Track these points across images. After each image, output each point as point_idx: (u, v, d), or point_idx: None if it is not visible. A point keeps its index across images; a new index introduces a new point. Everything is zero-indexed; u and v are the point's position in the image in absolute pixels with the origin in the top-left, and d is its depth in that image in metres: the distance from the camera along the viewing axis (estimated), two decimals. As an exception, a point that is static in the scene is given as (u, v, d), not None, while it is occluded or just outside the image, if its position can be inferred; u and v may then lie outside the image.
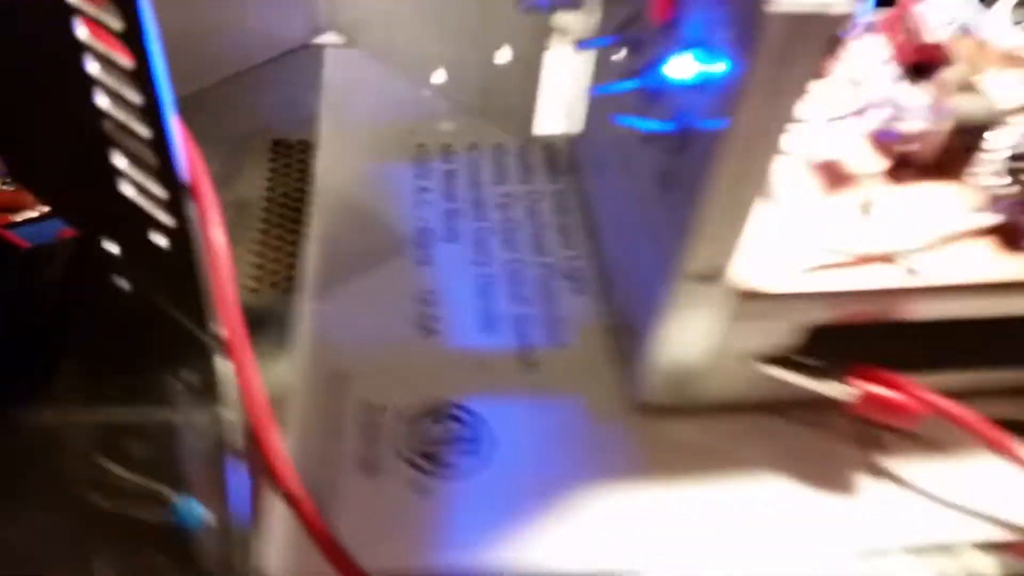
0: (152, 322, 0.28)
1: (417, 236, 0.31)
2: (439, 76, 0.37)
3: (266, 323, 0.28)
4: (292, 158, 0.34)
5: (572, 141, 0.35)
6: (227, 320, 0.22)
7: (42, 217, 0.56)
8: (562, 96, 0.35)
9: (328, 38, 0.39)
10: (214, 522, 0.23)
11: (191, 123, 0.22)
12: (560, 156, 0.35)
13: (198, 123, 0.34)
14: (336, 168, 0.33)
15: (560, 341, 0.28)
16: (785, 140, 0.19)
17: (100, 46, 0.21)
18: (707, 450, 0.26)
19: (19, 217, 0.55)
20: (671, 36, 0.22)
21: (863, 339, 0.25)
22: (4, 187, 0.64)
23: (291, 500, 0.21)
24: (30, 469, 0.25)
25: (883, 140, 0.26)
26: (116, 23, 0.19)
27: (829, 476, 0.25)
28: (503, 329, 0.28)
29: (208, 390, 0.26)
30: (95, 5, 0.20)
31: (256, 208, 0.32)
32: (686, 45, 0.20)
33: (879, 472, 0.26)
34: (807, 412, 0.26)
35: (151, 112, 0.21)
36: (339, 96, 0.36)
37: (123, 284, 0.29)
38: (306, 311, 0.28)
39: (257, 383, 0.22)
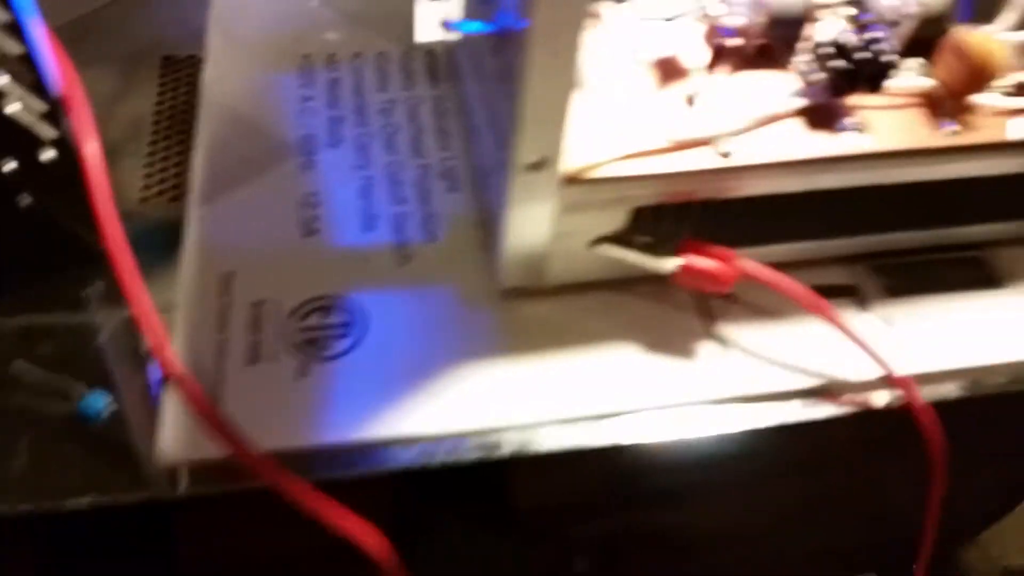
0: (55, 234, 0.30)
1: (301, 143, 0.33)
2: (323, -13, 0.38)
3: (157, 229, 0.30)
4: (181, 73, 0.35)
5: (449, 48, 0.37)
6: (106, 229, 0.24)
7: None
8: (441, 5, 0.37)
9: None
10: (117, 413, 0.26)
11: (83, 44, 0.24)
12: (440, 63, 0.37)
13: (91, 43, 0.35)
14: (223, 80, 0.35)
15: (434, 236, 0.31)
16: (581, 35, 0.21)
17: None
18: (562, 325, 0.29)
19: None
20: None
21: (695, 218, 0.28)
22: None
23: (180, 386, 0.24)
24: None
25: (714, 36, 0.29)
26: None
27: (670, 341, 0.29)
28: (382, 227, 0.31)
29: (112, 293, 0.29)
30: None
31: (147, 122, 0.33)
32: None
33: (714, 336, 0.29)
34: (650, 286, 0.29)
35: (18, 29, 0.23)
36: (227, 11, 0.38)
37: (25, 200, 0.31)
38: (193, 216, 0.30)
39: (138, 285, 0.24)
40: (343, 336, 0.28)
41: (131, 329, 0.28)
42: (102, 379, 0.27)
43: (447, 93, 0.36)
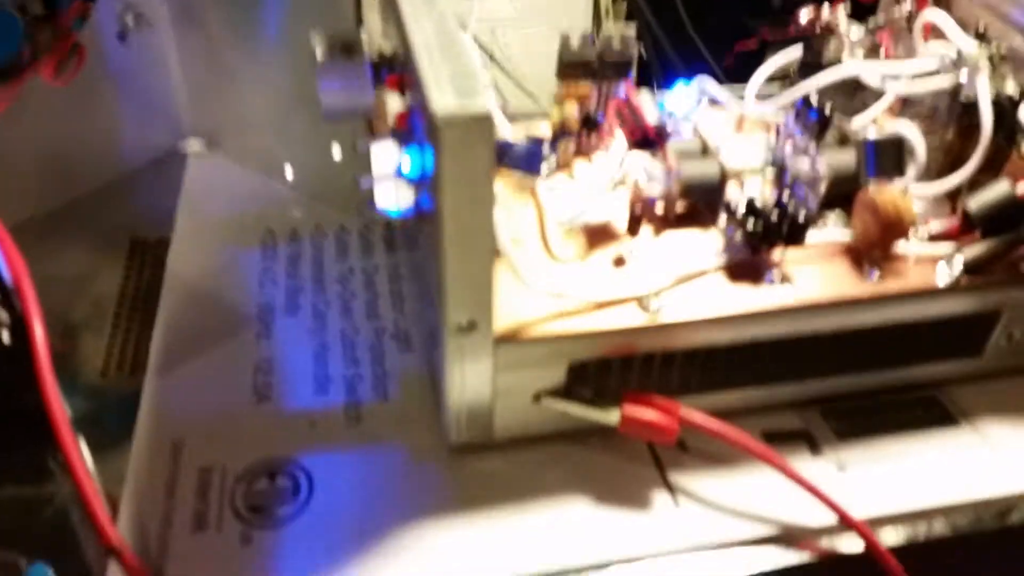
0: (10, 409, 0.31)
1: (259, 312, 0.35)
2: (288, 171, 0.41)
3: (115, 403, 0.31)
4: (148, 254, 0.37)
5: (404, 220, 0.39)
6: (50, 405, 0.25)
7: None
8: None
9: (191, 145, 0.44)
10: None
11: (59, 230, 0.26)
12: (397, 233, 0.39)
13: (66, 229, 0.38)
14: (187, 258, 0.37)
15: (385, 395, 0.32)
16: (489, 216, 0.23)
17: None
18: (513, 479, 0.29)
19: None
20: (408, 139, 0.26)
21: (638, 370, 0.29)
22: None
23: (120, 559, 0.24)
24: None
25: (636, 201, 0.31)
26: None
27: (623, 492, 0.29)
28: (334, 390, 0.32)
29: (60, 467, 0.29)
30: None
31: (110, 302, 0.35)
32: (413, 146, 0.25)
33: (667, 485, 0.29)
34: (600, 438, 0.30)
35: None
36: (198, 195, 0.40)
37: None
38: (149, 388, 0.31)
39: (78, 458, 0.24)
40: (288, 502, 0.28)
41: (79, 502, 0.28)
42: (48, 552, 0.27)
43: (402, 260, 0.38)
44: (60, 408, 0.24)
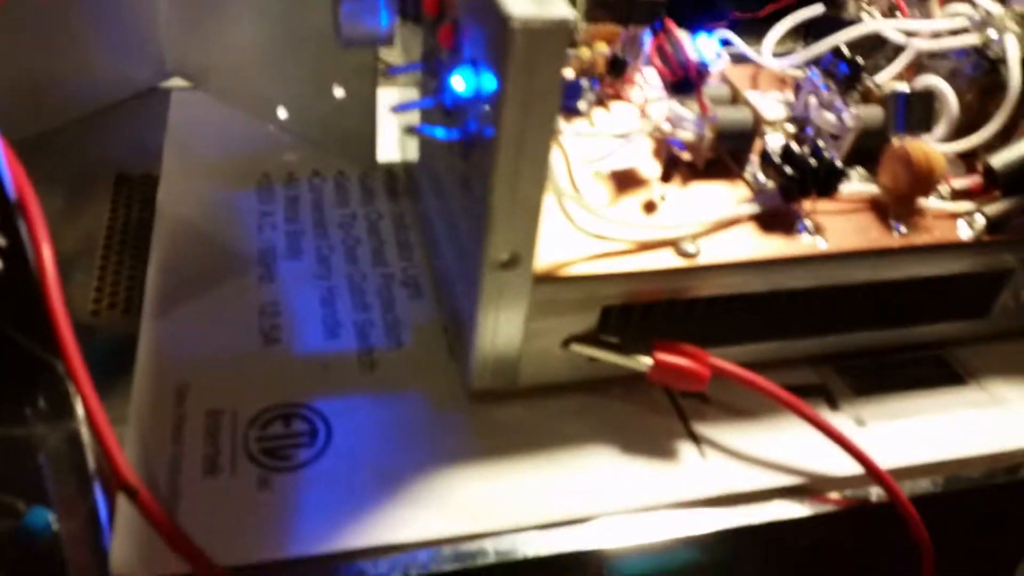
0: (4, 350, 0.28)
1: (260, 256, 0.33)
2: (282, 113, 0.39)
3: (107, 343, 0.29)
4: (135, 191, 0.35)
5: (408, 167, 0.37)
6: (62, 337, 0.23)
7: None
8: (398, 126, 0.38)
9: (175, 82, 0.41)
10: (65, 529, 0.24)
11: (38, 162, 0.24)
12: (399, 181, 0.38)
13: (45, 162, 0.35)
14: (179, 198, 0.34)
15: (399, 342, 0.30)
16: (550, 141, 0.22)
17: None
18: (536, 427, 0.28)
19: None
20: (455, 59, 0.25)
21: (668, 318, 0.28)
22: None
23: (135, 498, 0.22)
24: None
25: (666, 148, 0.30)
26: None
27: (647, 442, 0.28)
28: (345, 335, 0.30)
29: (59, 407, 0.27)
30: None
31: (99, 238, 0.32)
32: (464, 65, 0.23)
33: (691, 436, 0.29)
34: (624, 387, 0.29)
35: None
36: (184, 134, 0.38)
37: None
38: (146, 328, 0.29)
39: (92, 394, 0.22)
40: (307, 445, 0.26)
41: (75, 443, 0.26)
42: (45, 495, 0.25)
43: (406, 209, 0.36)
44: (72, 341, 0.22)
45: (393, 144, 0.38)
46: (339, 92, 0.36)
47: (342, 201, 0.36)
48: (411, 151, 0.37)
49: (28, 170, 0.24)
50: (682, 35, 0.29)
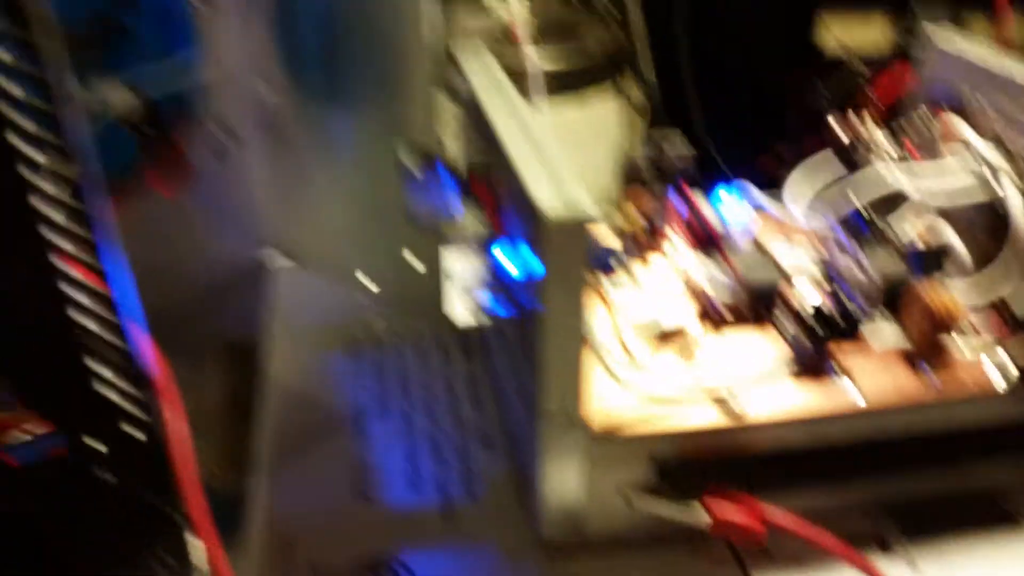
0: (132, 506, 0.32)
1: (353, 416, 0.37)
2: (366, 282, 0.44)
3: (227, 501, 0.33)
4: (245, 360, 0.40)
5: (479, 329, 0.42)
6: (191, 500, 0.27)
7: (33, 440, 0.60)
8: (468, 290, 0.42)
9: (273, 255, 0.47)
10: None
11: (159, 336, 0.28)
12: (471, 341, 0.42)
13: (165, 336, 0.40)
14: (283, 363, 0.39)
15: (475, 495, 0.33)
16: (587, 312, 0.26)
17: (81, 278, 0.27)
18: (602, 579, 0.30)
19: (11, 439, 0.59)
20: (508, 243, 0.29)
21: (724, 468, 0.31)
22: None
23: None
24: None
25: (701, 303, 0.34)
26: (96, 264, 0.26)
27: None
28: (427, 488, 0.34)
29: (182, 562, 0.31)
30: (77, 248, 0.26)
31: (214, 404, 0.37)
32: (515, 249, 0.28)
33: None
34: (687, 540, 0.31)
35: (118, 327, 0.27)
36: (284, 305, 0.43)
37: (107, 477, 0.34)
38: (258, 487, 0.33)
39: (219, 552, 0.26)
40: (398, 597, 0.29)
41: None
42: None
43: (478, 367, 0.40)
44: (203, 506, 0.26)
45: (465, 309, 0.43)
46: (415, 264, 0.41)
47: (422, 362, 0.40)
48: (481, 313, 0.41)
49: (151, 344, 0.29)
50: (700, 199, 0.33)
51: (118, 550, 0.31)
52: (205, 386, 0.38)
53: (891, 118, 0.69)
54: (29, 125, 0.24)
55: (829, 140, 0.40)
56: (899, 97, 0.81)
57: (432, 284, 0.41)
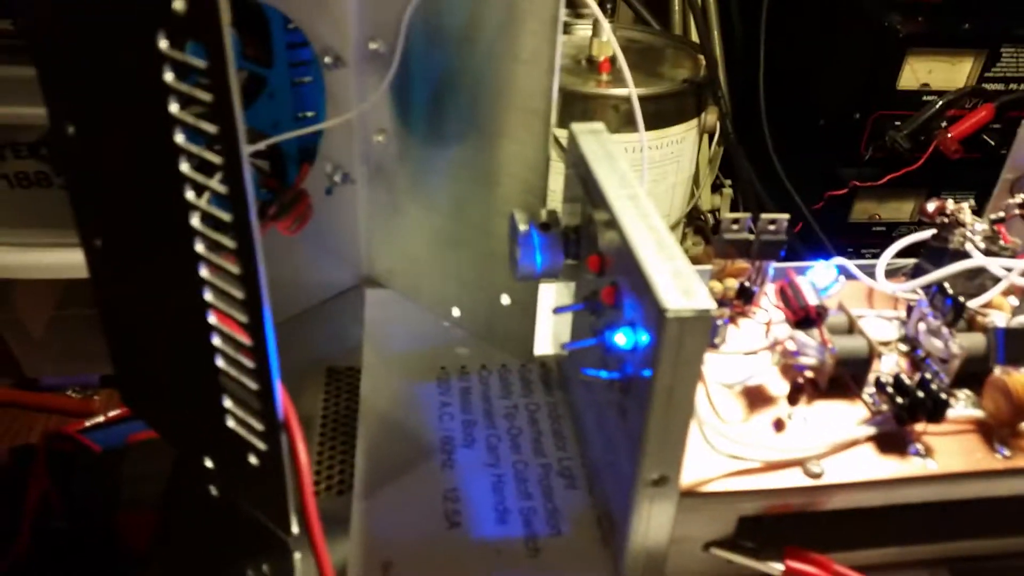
0: (235, 521, 0.36)
1: (442, 443, 0.39)
2: (455, 312, 0.46)
3: (327, 521, 0.35)
4: (342, 382, 0.43)
5: (560, 362, 0.44)
6: (310, 523, 0.30)
7: (109, 422, 0.64)
8: (552, 332, 0.45)
9: (370, 283, 0.50)
10: None
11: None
12: (552, 374, 0.44)
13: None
14: (377, 389, 0.42)
15: (558, 530, 0.36)
16: (695, 392, 0.28)
17: (227, 329, 0.30)
18: (679, 622, 0.32)
19: (88, 423, 0.63)
20: (616, 313, 0.31)
21: (799, 525, 0.33)
22: (74, 395, 0.74)
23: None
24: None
25: (792, 372, 0.35)
26: (242, 317, 0.29)
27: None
28: (512, 521, 0.36)
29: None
30: (228, 304, 0.29)
31: (316, 424, 0.40)
32: (625, 322, 0.30)
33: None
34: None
35: (261, 371, 0.30)
36: (378, 330, 0.46)
37: (213, 491, 0.37)
38: (357, 509, 0.35)
39: (332, 573, 0.29)
40: (488, 625, 0.32)
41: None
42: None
43: (559, 400, 0.42)
44: (319, 529, 0.29)
45: (547, 339, 0.45)
46: (506, 299, 0.44)
47: (505, 392, 0.43)
48: (568, 363, 0.43)
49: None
50: (801, 281, 0.35)
51: (224, 566, 0.34)
52: (311, 407, 0.41)
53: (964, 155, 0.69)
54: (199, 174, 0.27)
55: (923, 218, 0.41)
56: (974, 133, 0.81)
57: (525, 325, 0.44)
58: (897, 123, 0.82)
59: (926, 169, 0.80)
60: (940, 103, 0.80)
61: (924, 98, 0.81)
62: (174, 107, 0.26)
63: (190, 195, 0.27)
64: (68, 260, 0.60)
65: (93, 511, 0.53)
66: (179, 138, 0.27)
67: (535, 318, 0.43)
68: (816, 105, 0.85)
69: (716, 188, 0.92)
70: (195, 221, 0.28)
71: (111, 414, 0.64)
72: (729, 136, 0.80)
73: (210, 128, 0.25)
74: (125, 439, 0.58)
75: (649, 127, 0.69)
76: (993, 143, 0.82)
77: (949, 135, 0.81)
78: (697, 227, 0.90)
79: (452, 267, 0.45)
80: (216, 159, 0.26)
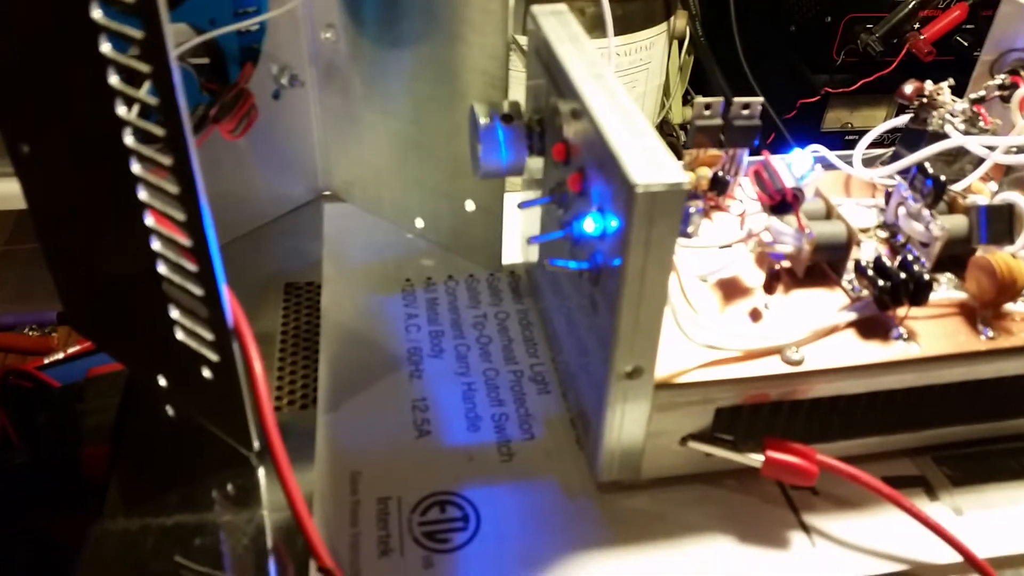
0: (195, 440, 0.34)
1: (409, 354, 0.38)
2: (419, 223, 0.44)
3: (290, 435, 0.34)
4: (302, 297, 0.41)
5: (528, 269, 0.42)
6: (269, 435, 0.28)
7: (68, 359, 0.62)
8: (520, 232, 0.43)
9: (328, 195, 0.47)
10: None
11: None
12: (522, 282, 0.42)
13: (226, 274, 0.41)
14: (338, 303, 0.40)
15: (532, 434, 0.34)
16: (668, 275, 0.26)
17: (165, 231, 0.28)
18: (659, 517, 0.32)
19: (48, 359, 0.61)
20: (583, 201, 0.29)
21: (777, 416, 0.32)
22: (32, 333, 0.71)
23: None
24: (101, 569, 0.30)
25: (768, 260, 0.34)
26: (180, 215, 0.27)
27: (761, 532, 0.31)
28: (485, 427, 0.35)
29: (247, 495, 0.32)
30: (162, 202, 0.27)
31: (275, 340, 0.38)
32: (592, 208, 0.28)
33: (800, 525, 0.32)
34: (738, 480, 0.33)
35: (205, 277, 0.28)
36: (337, 243, 0.44)
37: (169, 411, 0.35)
38: (322, 423, 0.34)
39: (295, 484, 0.28)
40: (461, 529, 0.30)
41: (268, 527, 0.31)
42: (250, 573, 0.30)
43: (530, 307, 0.41)
44: (279, 441, 0.28)
45: (516, 247, 0.43)
46: (471, 205, 0.42)
47: (474, 302, 0.41)
48: (531, 254, 0.42)
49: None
50: (777, 163, 0.33)
51: (187, 483, 0.32)
52: (269, 323, 0.39)
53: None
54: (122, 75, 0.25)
55: (900, 100, 0.39)
56: (947, 34, 0.79)
57: (492, 232, 0.42)
58: (869, 26, 0.79)
59: (899, 73, 0.78)
60: (912, 3, 0.78)
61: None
62: (96, 13, 0.24)
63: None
64: (15, 190, 0.57)
65: (54, 446, 0.51)
66: (105, 47, 0.25)
67: (502, 225, 0.41)
68: (786, 9, 0.83)
69: (687, 102, 0.89)
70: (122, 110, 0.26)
71: (71, 351, 0.62)
72: (699, 40, 0.78)
73: (135, 33, 0.23)
74: (85, 373, 0.56)
75: (616, 32, 0.66)
76: (967, 44, 0.80)
77: (922, 37, 0.79)
78: (669, 143, 0.88)
79: (414, 175, 0.43)
80: (144, 67, 0.24)
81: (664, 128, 0.85)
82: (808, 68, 0.82)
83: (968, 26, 0.79)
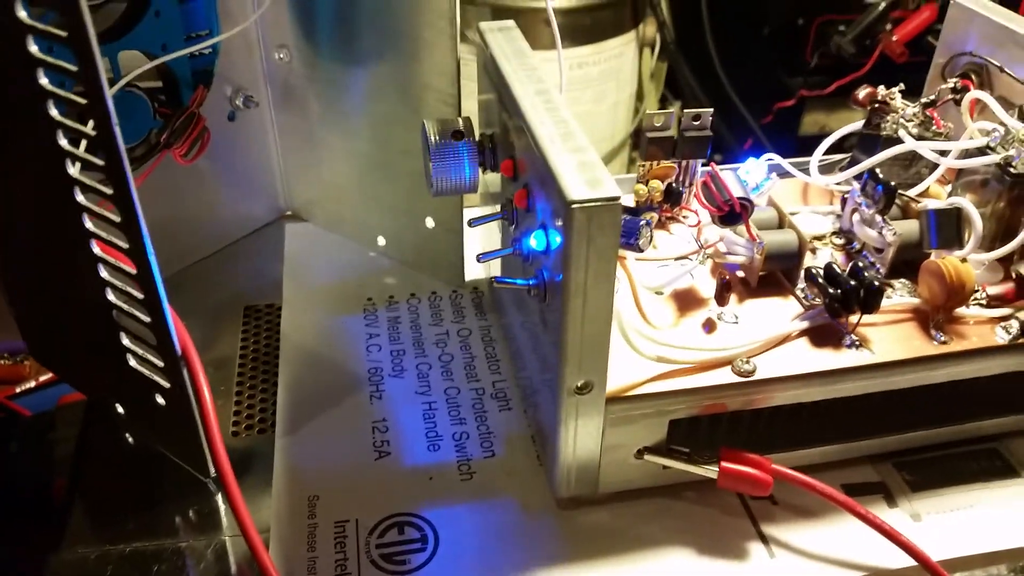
0: (155, 467, 0.34)
1: (369, 374, 0.38)
2: (381, 241, 0.44)
3: (250, 460, 0.34)
4: (262, 320, 0.41)
5: (491, 285, 0.42)
6: (218, 462, 0.28)
7: (39, 387, 0.62)
8: (483, 248, 0.43)
9: (288, 216, 0.47)
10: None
11: (176, 298, 0.29)
12: (485, 298, 0.42)
13: (182, 297, 0.41)
14: (298, 324, 0.40)
15: (492, 452, 0.34)
16: (611, 289, 0.26)
17: (112, 259, 0.28)
18: (618, 532, 0.31)
19: (19, 388, 0.61)
20: (530, 218, 0.29)
21: (733, 427, 0.32)
22: (3, 362, 0.71)
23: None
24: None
25: (720, 270, 0.34)
26: (123, 243, 0.27)
27: (720, 543, 0.31)
28: (445, 447, 0.35)
29: (206, 521, 0.32)
30: (107, 231, 0.27)
31: (234, 364, 0.38)
32: (537, 225, 0.28)
33: (759, 536, 0.32)
34: (697, 491, 0.32)
35: (151, 304, 0.28)
36: (298, 264, 0.44)
37: (128, 438, 0.35)
38: (280, 446, 0.34)
39: (245, 510, 0.27)
40: (419, 550, 0.30)
41: (221, 553, 0.31)
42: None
43: (493, 323, 0.41)
44: (228, 468, 0.27)
45: (478, 264, 0.43)
46: (430, 223, 0.42)
47: (436, 319, 0.41)
48: (495, 269, 0.42)
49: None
50: (726, 174, 0.33)
51: (145, 510, 0.32)
52: (228, 347, 0.39)
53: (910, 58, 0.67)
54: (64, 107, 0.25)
55: (856, 106, 0.39)
56: (919, 35, 0.79)
57: (453, 249, 0.42)
58: (841, 28, 0.80)
59: (873, 75, 0.79)
60: (883, 4, 0.78)
61: (867, 0, 0.79)
62: (33, 47, 0.24)
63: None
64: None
65: (26, 476, 0.50)
66: (43, 80, 0.25)
67: (462, 241, 0.41)
68: (759, 12, 0.83)
69: (663, 106, 0.90)
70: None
71: (42, 379, 0.61)
72: (668, 47, 0.78)
73: (70, 67, 0.23)
74: (56, 402, 0.56)
75: (585, 41, 0.67)
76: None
77: (894, 38, 0.79)
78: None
79: (374, 193, 0.43)
80: (80, 100, 0.24)
81: (640, 135, 0.86)
82: (783, 71, 0.83)
83: (940, 26, 0.80)
